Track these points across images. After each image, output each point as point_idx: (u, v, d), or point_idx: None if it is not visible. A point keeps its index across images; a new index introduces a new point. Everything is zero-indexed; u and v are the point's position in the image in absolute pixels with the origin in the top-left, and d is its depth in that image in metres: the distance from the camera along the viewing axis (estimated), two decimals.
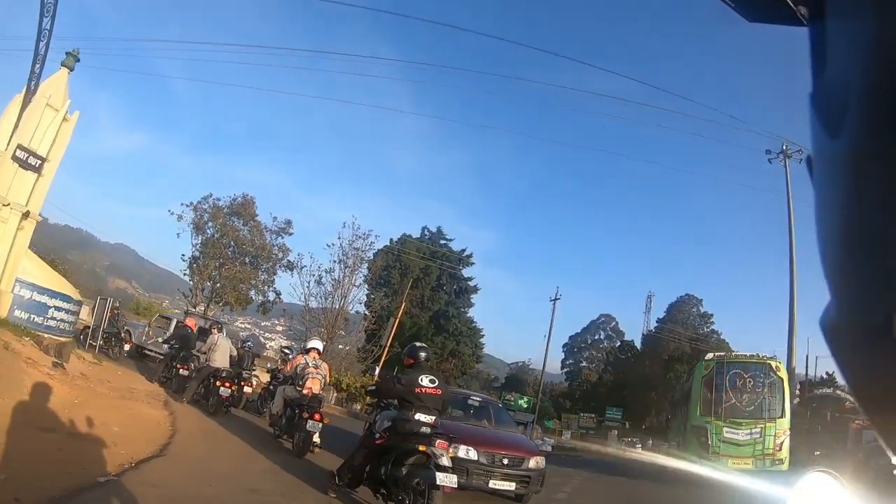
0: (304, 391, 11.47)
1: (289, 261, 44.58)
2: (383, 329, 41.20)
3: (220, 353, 15.03)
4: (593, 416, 56.11)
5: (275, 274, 45.57)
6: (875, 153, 0.49)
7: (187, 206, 42.45)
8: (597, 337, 73.50)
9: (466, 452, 9.16)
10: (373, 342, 40.90)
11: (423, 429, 7.41)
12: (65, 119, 16.99)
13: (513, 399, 47.49)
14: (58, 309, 16.31)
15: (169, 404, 14.20)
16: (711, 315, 66.13)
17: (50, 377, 12.37)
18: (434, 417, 7.57)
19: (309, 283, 41.08)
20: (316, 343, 12.95)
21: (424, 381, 7.64)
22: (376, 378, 12.46)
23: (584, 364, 71.84)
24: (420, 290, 51.44)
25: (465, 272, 58.40)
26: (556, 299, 49.11)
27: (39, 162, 15.85)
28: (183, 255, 43.68)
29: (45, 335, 15.63)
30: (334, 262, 41.17)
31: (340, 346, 42.44)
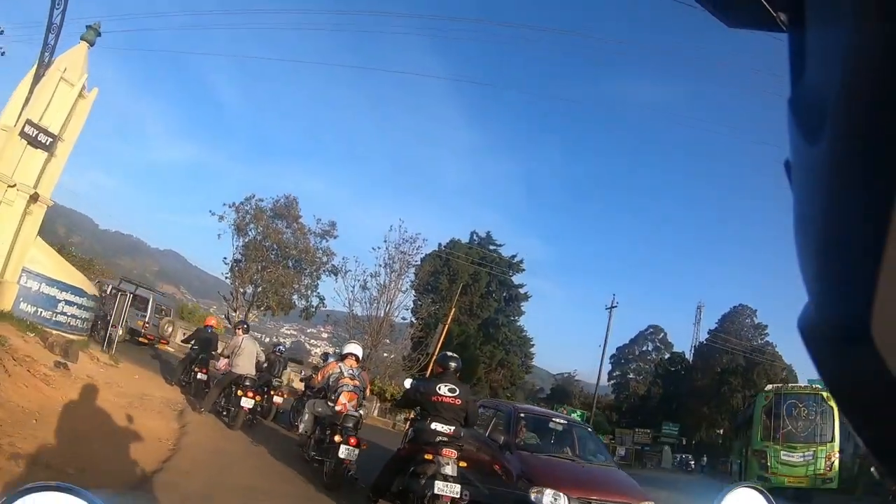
0: (337, 407, 9.23)
1: (333, 265, 42.79)
2: (431, 336, 39.17)
3: (245, 357, 12.96)
4: (648, 431, 52.78)
5: (318, 278, 43.80)
6: (851, 159, 0.50)
7: (229, 206, 41.03)
8: (644, 349, 70.28)
9: (554, 499, 6.87)
10: (419, 350, 38.76)
11: (439, 438, 7.20)
12: (81, 96, 15.34)
13: (565, 412, 44.29)
14: (69, 303, 14.52)
15: (185, 415, 12.27)
16: (766, 326, 62.23)
17: (45, 380, 10.56)
18: (453, 427, 7.32)
19: (353, 287, 39.56)
20: (353, 348, 10.30)
21: (443, 389, 7.48)
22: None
23: (631, 376, 68.78)
24: (469, 297, 48.96)
25: (516, 279, 56.02)
26: (612, 307, 46.11)
27: (50, 140, 14.16)
28: (225, 258, 42.27)
29: (53, 331, 13.94)
30: (380, 266, 39.59)
31: (385, 354, 40.44)
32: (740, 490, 1.82)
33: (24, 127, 13.73)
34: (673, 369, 64.76)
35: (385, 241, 39.22)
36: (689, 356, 65.22)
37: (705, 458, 45.85)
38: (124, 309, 17.35)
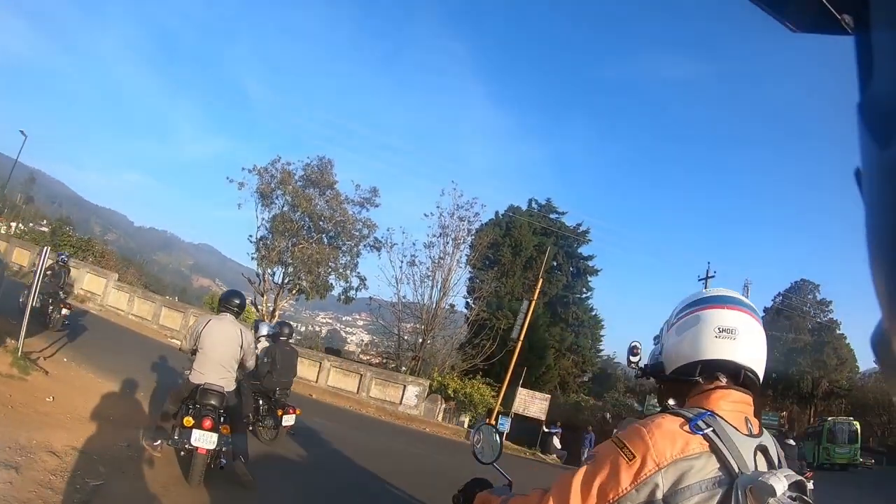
0: None
1: (375, 238, 35.88)
2: (497, 319, 32.54)
3: (212, 353, 7.19)
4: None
5: (358, 255, 36.77)
6: None
7: (250, 171, 34.18)
8: None
9: None
10: (482, 336, 31.78)
11: None
12: None
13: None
14: None
15: (107, 489, 5.47)
16: (830, 302, 55.10)
17: None
18: None
19: (401, 264, 33.20)
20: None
21: None
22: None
23: None
24: (534, 272, 41.79)
25: (583, 251, 48.62)
26: (707, 278, 38.49)
27: None
28: (250, 235, 35.43)
29: None
30: (434, 236, 32.97)
31: (435, 343, 33.70)
32: None
33: None
34: None
35: (438, 208, 32.94)
36: None
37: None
38: (37, 279, 10.53)
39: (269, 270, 34.91)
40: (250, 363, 7.82)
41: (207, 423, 6.67)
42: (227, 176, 34.10)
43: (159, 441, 7.15)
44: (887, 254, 0.49)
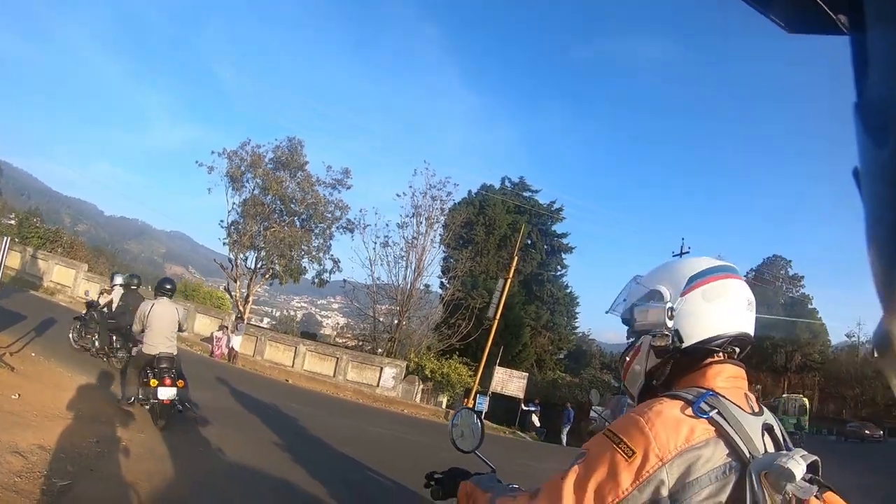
0: None
1: (348, 219, 35.51)
2: (472, 298, 32.49)
3: (158, 329, 9.39)
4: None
5: (331, 238, 36.41)
6: None
7: (219, 154, 33.59)
8: None
9: None
10: (457, 315, 31.69)
11: None
12: None
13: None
14: None
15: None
16: (802, 277, 57.18)
17: None
18: None
19: (374, 245, 33.00)
20: None
21: None
22: None
23: None
24: (508, 250, 41.84)
25: (557, 229, 48.72)
26: (682, 253, 38.86)
27: None
28: (221, 221, 34.87)
29: None
30: (407, 216, 32.78)
31: (412, 324, 33.64)
32: None
33: None
34: None
35: (410, 187, 32.74)
36: None
37: None
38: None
39: (242, 255, 34.50)
40: (185, 326, 10.41)
41: (167, 380, 8.98)
42: (196, 160, 33.61)
43: (132, 398, 9.08)
44: (887, 251, 0.49)
